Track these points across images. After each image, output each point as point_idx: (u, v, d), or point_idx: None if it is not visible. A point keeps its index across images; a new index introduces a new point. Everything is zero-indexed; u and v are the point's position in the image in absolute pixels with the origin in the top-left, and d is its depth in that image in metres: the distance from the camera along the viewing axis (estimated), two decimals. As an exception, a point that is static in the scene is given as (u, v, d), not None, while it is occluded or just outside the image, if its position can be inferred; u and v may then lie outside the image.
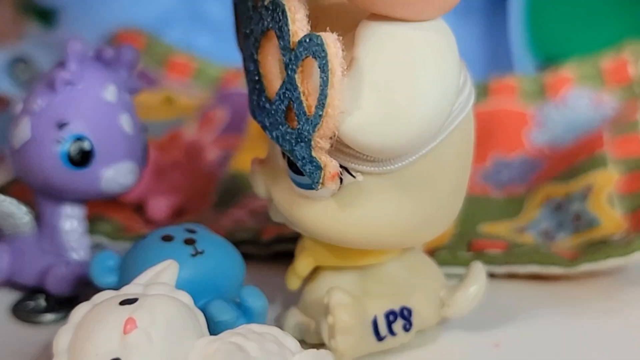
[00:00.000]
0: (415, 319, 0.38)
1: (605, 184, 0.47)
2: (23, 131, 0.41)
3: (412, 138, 0.33)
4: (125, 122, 0.42)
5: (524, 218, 0.49)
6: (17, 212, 0.42)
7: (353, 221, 0.35)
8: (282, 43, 0.32)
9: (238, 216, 0.49)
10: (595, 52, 0.56)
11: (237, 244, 0.39)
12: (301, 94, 0.32)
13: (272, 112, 0.34)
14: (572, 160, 0.50)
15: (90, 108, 0.41)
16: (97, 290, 0.34)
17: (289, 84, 0.32)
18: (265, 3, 0.33)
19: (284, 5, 0.32)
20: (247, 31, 0.35)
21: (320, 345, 0.37)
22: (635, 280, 0.44)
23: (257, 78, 0.35)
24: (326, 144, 0.32)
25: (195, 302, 0.34)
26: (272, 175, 0.37)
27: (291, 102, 0.33)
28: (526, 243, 0.46)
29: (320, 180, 0.33)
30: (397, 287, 0.38)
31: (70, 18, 0.67)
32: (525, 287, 0.44)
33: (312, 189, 0.33)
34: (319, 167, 0.33)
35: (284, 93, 0.33)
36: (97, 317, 0.32)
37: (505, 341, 0.39)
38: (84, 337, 0.31)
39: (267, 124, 0.34)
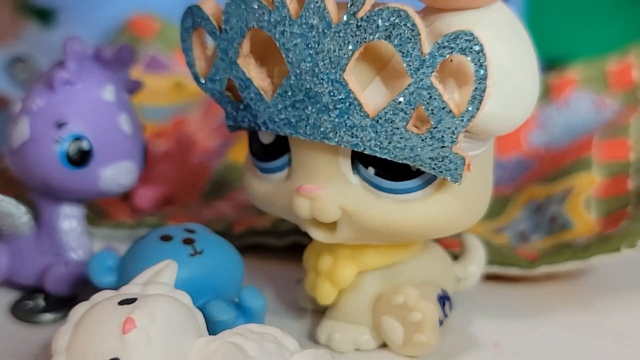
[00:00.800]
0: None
1: (586, 187, 0.47)
2: (22, 131, 0.41)
3: (526, 116, 0.35)
4: (124, 122, 0.42)
5: (506, 218, 0.49)
6: (16, 211, 0.42)
7: (462, 203, 0.36)
8: (404, 51, 0.32)
9: (222, 208, 0.49)
10: (601, 55, 0.56)
11: None
12: (441, 95, 0.32)
13: (377, 126, 0.33)
14: (560, 163, 0.50)
15: (89, 108, 0.41)
16: (96, 289, 0.34)
17: (419, 89, 0.32)
18: (362, 16, 0.32)
19: (404, 11, 0.32)
20: (312, 52, 0.34)
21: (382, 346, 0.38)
22: (635, 277, 0.44)
23: (339, 97, 0.33)
24: (462, 138, 0.33)
25: (194, 302, 0.34)
26: (345, 195, 0.35)
27: (424, 105, 0.32)
28: (497, 243, 0.45)
29: (461, 172, 0.34)
30: (426, 275, 0.39)
31: (68, 18, 0.67)
32: (525, 287, 0.44)
33: (417, 190, 0.35)
34: (460, 162, 0.33)
35: (407, 101, 0.33)
36: (96, 316, 0.32)
37: (504, 341, 0.39)
38: (82, 336, 0.31)
39: (361, 141, 0.34)
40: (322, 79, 0.33)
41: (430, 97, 0.32)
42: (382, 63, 0.34)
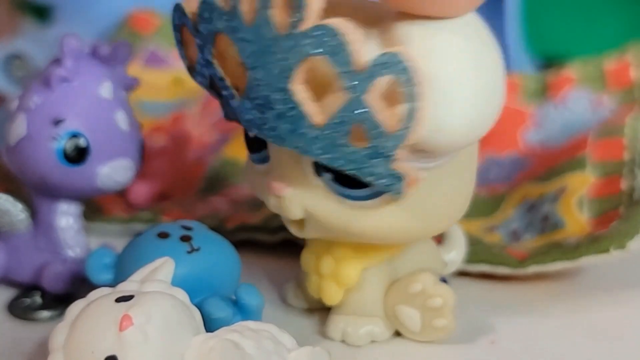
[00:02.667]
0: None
1: (579, 186, 0.47)
2: (18, 128, 0.41)
3: (483, 131, 0.35)
4: (121, 119, 0.41)
5: (499, 217, 0.49)
6: (13, 209, 0.42)
7: (411, 217, 0.36)
8: (339, 68, 0.32)
9: (216, 204, 0.49)
10: (599, 53, 0.56)
11: None
12: (374, 113, 0.32)
13: (323, 137, 0.33)
14: (555, 161, 0.50)
15: (86, 105, 0.41)
16: (93, 287, 0.34)
17: (354, 105, 0.32)
18: (303, 30, 0.32)
19: (335, 28, 0.32)
20: (259, 65, 0.34)
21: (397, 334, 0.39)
22: (635, 274, 0.44)
23: (290, 106, 0.33)
24: (406, 154, 0.33)
25: (191, 299, 0.34)
26: (308, 196, 0.36)
27: (360, 123, 0.32)
28: (488, 242, 0.45)
29: (402, 189, 0.34)
30: (423, 263, 0.39)
31: (65, 14, 0.67)
32: (521, 285, 0.44)
33: (370, 198, 0.35)
34: (399, 178, 0.33)
35: (345, 115, 0.33)
36: (93, 314, 0.32)
37: (501, 338, 0.39)
38: (79, 334, 0.31)
39: (310, 149, 0.34)
40: (275, 87, 0.33)
41: (364, 115, 0.32)
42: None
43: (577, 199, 0.46)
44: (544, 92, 0.55)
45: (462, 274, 0.44)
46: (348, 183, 0.35)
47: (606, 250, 0.41)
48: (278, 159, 0.37)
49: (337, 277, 0.38)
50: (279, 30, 0.33)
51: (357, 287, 0.38)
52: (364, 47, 0.32)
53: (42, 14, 0.68)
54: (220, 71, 0.36)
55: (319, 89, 0.33)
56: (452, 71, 0.33)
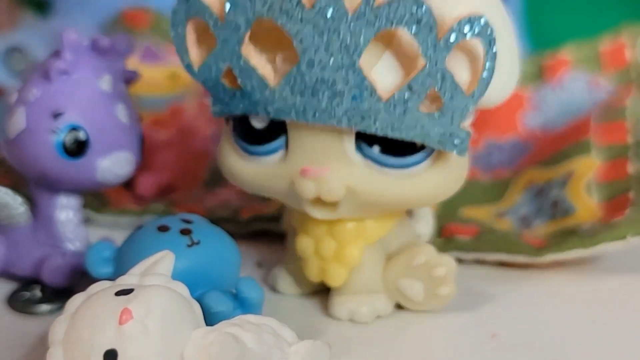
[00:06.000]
0: None
1: (586, 171, 0.47)
2: (18, 121, 0.41)
3: (513, 87, 0.37)
4: (120, 112, 0.41)
5: (506, 202, 0.49)
6: (12, 202, 0.42)
7: (449, 174, 0.37)
8: (420, 38, 0.33)
9: (225, 196, 0.49)
10: (594, 35, 0.56)
11: (216, 221, 0.40)
12: (454, 77, 0.34)
13: (389, 109, 0.35)
14: (559, 146, 0.50)
15: (85, 98, 0.41)
16: (93, 280, 0.34)
17: (433, 73, 0.34)
18: (378, 4, 0.33)
19: (422, 1, 0.33)
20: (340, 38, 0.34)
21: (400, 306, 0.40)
22: (635, 265, 0.44)
23: (354, 83, 0.34)
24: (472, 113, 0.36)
25: (192, 293, 0.34)
26: (350, 173, 0.36)
27: (436, 88, 0.34)
28: (502, 229, 0.46)
29: (465, 147, 0.36)
30: (407, 237, 0.41)
31: (65, 7, 0.67)
32: (523, 277, 0.44)
33: (418, 164, 0.36)
34: (468, 135, 0.35)
35: (421, 84, 0.34)
36: (92, 307, 0.31)
37: (502, 332, 0.39)
38: (79, 327, 0.31)
39: (370, 123, 0.35)
40: (336, 67, 0.34)
41: (444, 80, 0.34)
42: (388, 39, 0.35)
43: (585, 184, 0.46)
44: (541, 75, 0.55)
45: (478, 262, 0.44)
46: (397, 153, 0.36)
47: (623, 238, 0.42)
48: (305, 142, 0.36)
49: (341, 259, 0.39)
50: (348, 9, 0.34)
51: (357, 266, 0.39)
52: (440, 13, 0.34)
53: (41, 7, 0.68)
54: (248, 60, 0.36)
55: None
56: (496, 32, 0.34)
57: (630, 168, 0.47)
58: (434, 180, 0.37)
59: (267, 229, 0.47)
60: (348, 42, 0.34)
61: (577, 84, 0.55)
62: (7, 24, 0.69)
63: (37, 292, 0.42)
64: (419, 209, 0.44)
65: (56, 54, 0.41)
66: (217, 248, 0.38)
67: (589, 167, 0.47)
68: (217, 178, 0.52)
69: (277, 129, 0.37)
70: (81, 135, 0.40)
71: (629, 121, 0.49)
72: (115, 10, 0.65)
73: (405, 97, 0.34)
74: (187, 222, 0.38)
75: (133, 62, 0.59)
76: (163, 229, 0.37)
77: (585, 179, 0.47)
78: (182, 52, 0.38)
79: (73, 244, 0.42)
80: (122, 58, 0.42)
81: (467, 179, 0.51)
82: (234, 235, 0.39)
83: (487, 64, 0.34)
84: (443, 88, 0.34)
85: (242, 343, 0.31)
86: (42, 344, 0.38)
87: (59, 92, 0.40)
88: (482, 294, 0.42)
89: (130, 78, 0.43)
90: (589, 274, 0.44)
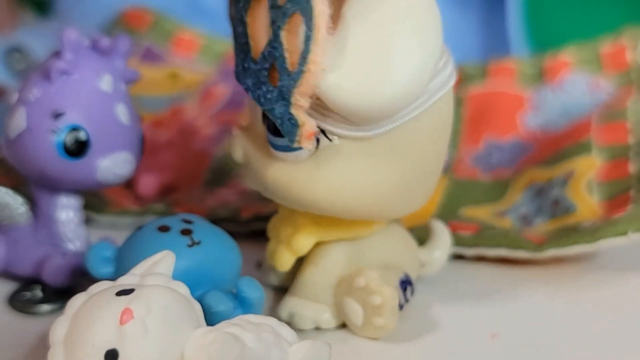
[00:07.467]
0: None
1: (587, 170, 0.47)
2: (18, 121, 0.41)
3: (384, 105, 0.34)
4: (121, 112, 0.41)
5: (507, 202, 0.49)
6: (13, 202, 0.42)
7: (328, 186, 0.35)
8: (270, 1, 0.33)
9: (225, 196, 0.50)
10: (595, 38, 0.56)
11: (216, 221, 0.40)
12: (285, 51, 0.33)
13: (256, 72, 0.34)
14: (560, 146, 0.50)
15: (86, 98, 0.41)
16: (94, 280, 0.34)
17: (274, 41, 0.33)
18: None
19: None
20: None
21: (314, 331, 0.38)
22: (636, 263, 0.44)
23: (244, 40, 0.34)
24: (306, 102, 0.33)
25: (192, 293, 0.34)
26: (252, 140, 0.37)
27: (275, 60, 0.33)
28: (503, 227, 0.46)
29: (297, 139, 0.34)
30: (390, 258, 0.39)
31: (65, 7, 0.67)
32: (523, 277, 0.44)
33: (289, 150, 0.35)
34: (296, 125, 0.33)
35: (269, 52, 0.33)
36: (93, 307, 0.31)
37: (502, 331, 0.39)
38: (80, 327, 0.31)
39: (250, 85, 0.34)
40: (242, 23, 0.34)
41: (278, 51, 0.33)
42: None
43: (585, 183, 0.47)
44: (541, 77, 0.56)
45: (479, 259, 0.44)
46: (272, 130, 0.35)
47: (624, 233, 0.42)
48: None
49: (290, 244, 0.38)
50: None
51: (314, 269, 0.39)
52: None
53: (42, 7, 0.68)
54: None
55: None
56: (374, 33, 0.33)
57: (631, 168, 0.47)
58: (309, 175, 0.35)
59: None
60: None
61: (578, 85, 0.55)
62: (7, 24, 0.69)
63: (38, 292, 0.42)
64: (436, 234, 0.42)
65: (56, 54, 0.41)
66: (218, 248, 0.38)
67: (589, 167, 0.47)
68: (217, 178, 0.52)
69: None
70: (81, 136, 0.40)
71: (630, 122, 0.49)
72: (116, 11, 0.65)
73: (261, 64, 0.34)
74: (188, 222, 0.38)
75: (133, 62, 0.59)
76: (163, 229, 0.37)
77: (585, 179, 0.47)
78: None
79: (73, 244, 0.42)
80: (122, 58, 0.42)
81: (468, 179, 0.51)
82: (234, 235, 0.39)
83: (304, 45, 0.32)
84: (278, 62, 0.33)
85: (242, 343, 0.31)
86: (42, 344, 0.38)
87: (60, 92, 0.40)
88: (482, 294, 0.42)
89: (130, 78, 0.43)
90: (589, 273, 0.44)
